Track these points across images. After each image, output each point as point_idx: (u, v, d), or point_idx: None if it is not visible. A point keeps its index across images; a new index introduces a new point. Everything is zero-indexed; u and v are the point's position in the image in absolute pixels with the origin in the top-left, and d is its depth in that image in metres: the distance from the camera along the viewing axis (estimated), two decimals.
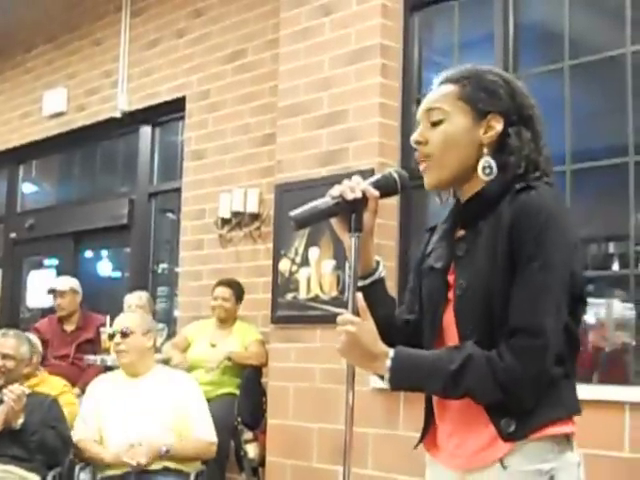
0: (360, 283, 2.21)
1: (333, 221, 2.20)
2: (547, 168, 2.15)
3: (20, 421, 4.59)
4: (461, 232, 2.18)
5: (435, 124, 2.16)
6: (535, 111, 2.18)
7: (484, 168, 2.10)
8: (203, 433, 4.77)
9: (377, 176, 2.23)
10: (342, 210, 2.14)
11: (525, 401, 1.96)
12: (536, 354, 1.93)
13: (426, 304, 2.23)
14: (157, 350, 5.36)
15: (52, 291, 7.37)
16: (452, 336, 2.11)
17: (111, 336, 4.97)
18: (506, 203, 2.04)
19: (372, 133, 5.62)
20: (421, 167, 2.19)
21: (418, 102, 5.58)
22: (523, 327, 1.94)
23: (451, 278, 2.14)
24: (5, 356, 4.90)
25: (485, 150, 2.12)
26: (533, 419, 1.97)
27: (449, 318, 2.12)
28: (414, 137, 2.19)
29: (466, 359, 1.96)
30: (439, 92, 2.19)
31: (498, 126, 2.12)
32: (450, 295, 2.13)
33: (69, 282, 7.46)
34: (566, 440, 2.02)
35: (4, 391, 4.60)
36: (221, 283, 6.61)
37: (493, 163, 2.10)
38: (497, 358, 1.94)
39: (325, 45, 5.97)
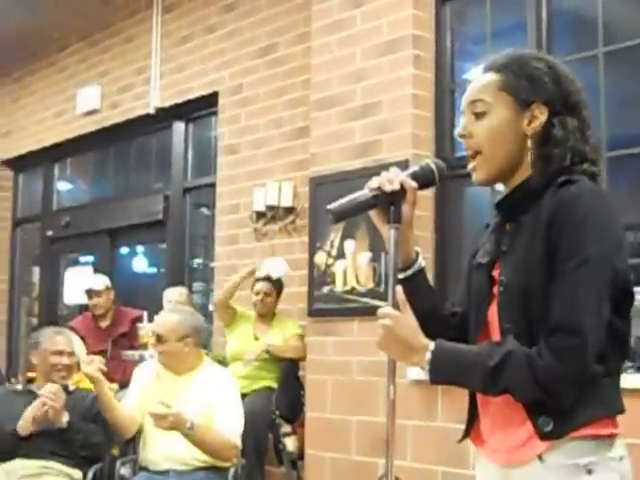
0: (400, 275, 2.21)
1: (372, 213, 2.18)
2: (594, 157, 2.11)
3: (65, 419, 4.61)
4: (507, 226, 2.15)
5: (478, 116, 2.13)
6: (582, 97, 2.13)
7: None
8: (228, 433, 4.58)
9: (415, 167, 2.21)
10: (380, 202, 2.13)
11: (564, 400, 1.93)
12: (575, 353, 1.90)
13: (472, 299, 2.22)
14: (206, 347, 5.28)
15: (88, 291, 7.42)
16: (496, 332, 2.09)
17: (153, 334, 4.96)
18: (549, 196, 2.01)
19: (405, 124, 5.61)
20: (470, 165, 2.16)
21: (451, 92, 5.66)
22: (561, 326, 1.91)
23: (496, 273, 2.12)
24: (70, 354, 4.97)
25: (529, 142, 2.09)
26: (571, 419, 1.95)
27: (493, 314, 2.11)
28: (458, 130, 2.17)
29: (505, 356, 1.94)
30: (481, 82, 2.15)
31: (542, 116, 2.08)
32: (495, 291, 2.11)
33: (103, 281, 7.51)
34: (608, 438, 1.99)
35: (41, 392, 4.63)
36: (261, 278, 6.62)
37: None
38: (537, 356, 1.92)
39: (357, 37, 5.96)
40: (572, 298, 1.92)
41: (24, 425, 4.59)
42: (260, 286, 6.57)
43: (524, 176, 2.11)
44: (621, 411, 2.03)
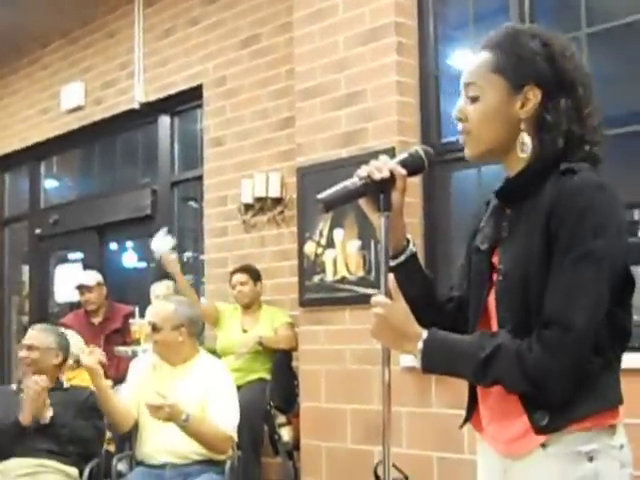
0: (392, 262, 2.20)
1: (362, 201, 2.18)
2: (593, 138, 2.07)
3: (49, 414, 4.61)
4: (508, 211, 2.14)
5: (472, 100, 2.11)
6: (579, 74, 2.09)
7: (520, 144, 2.07)
8: (223, 424, 4.60)
9: (403, 154, 2.20)
10: (370, 190, 2.13)
11: (555, 394, 1.93)
12: (566, 348, 1.89)
13: (472, 284, 2.21)
14: (200, 341, 5.25)
15: (80, 287, 7.42)
16: (496, 319, 2.08)
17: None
18: (550, 184, 1.99)
19: (391, 112, 5.60)
20: (460, 139, 2.16)
21: (436, 78, 5.65)
22: (555, 319, 1.90)
23: (496, 260, 2.11)
24: (30, 347, 4.95)
25: (523, 125, 2.07)
26: (568, 413, 1.94)
27: (492, 301, 2.10)
28: (454, 113, 2.16)
29: (496, 348, 1.93)
30: (475, 63, 2.13)
31: (535, 99, 2.05)
32: (495, 277, 2.10)
33: (95, 276, 7.52)
34: (608, 427, 1.99)
35: (26, 383, 4.64)
36: (235, 271, 6.68)
37: (528, 140, 2.06)
38: (527, 350, 1.91)
39: (339, 25, 5.95)
40: (569, 292, 1.90)
41: (24, 415, 4.61)
42: (235, 278, 6.61)
43: (519, 159, 2.08)
44: (619, 402, 2.03)
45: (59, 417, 4.64)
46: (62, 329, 5.90)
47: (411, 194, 5.41)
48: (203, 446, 4.57)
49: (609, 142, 4.81)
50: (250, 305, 6.60)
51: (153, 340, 4.86)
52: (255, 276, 6.64)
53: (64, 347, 5.07)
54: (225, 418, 4.62)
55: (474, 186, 5.13)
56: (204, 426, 4.51)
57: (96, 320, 7.35)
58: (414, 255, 2.27)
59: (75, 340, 5.79)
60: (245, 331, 6.49)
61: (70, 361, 5.32)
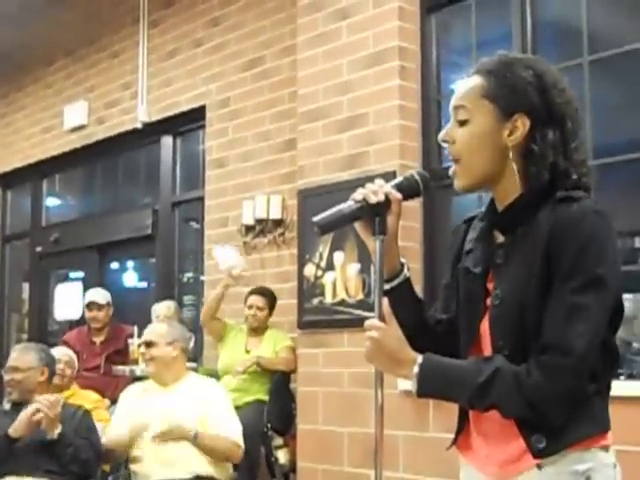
0: (386, 286, 2.19)
1: (357, 225, 2.17)
2: (579, 171, 2.06)
3: (57, 431, 4.59)
4: (500, 238, 2.13)
5: (461, 123, 2.10)
6: (569, 108, 2.08)
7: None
8: (230, 433, 4.72)
9: (399, 178, 2.20)
10: (366, 214, 2.12)
11: (553, 419, 1.93)
12: (565, 373, 1.89)
13: (463, 308, 2.19)
14: (190, 359, 5.29)
15: (90, 304, 7.40)
16: (488, 344, 2.08)
17: (140, 345, 5.04)
18: (547, 212, 1.98)
19: (392, 135, 5.62)
20: (450, 171, 2.15)
21: (438, 103, 5.66)
22: (555, 345, 1.90)
23: (490, 285, 2.10)
24: (14, 369, 4.96)
25: (510, 154, 2.06)
26: (564, 436, 1.94)
27: (486, 325, 2.09)
28: (441, 135, 2.15)
29: (494, 373, 1.93)
30: (465, 87, 2.12)
31: (523, 127, 2.04)
32: (488, 302, 2.09)
33: (105, 295, 7.52)
34: (602, 447, 1.99)
35: (37, 398, 4.63)
36: (255, 292, 6.62)
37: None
38: (525, 374, 1.91)
39: (343, 49, 5.97)
40: (568, 318, 1.90)
41: (17, 427, 4.58)
42: (253, 299, 6.56)
43: (510, 186, 2.08)
44: (609, 428, 2.03)
45: (64, 435, 4.62)
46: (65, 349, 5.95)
47: (411, 218, 5.42)
48: (215, 459, 4.67)
49: (610, 169, 4.84)
50: (257, 329, 6.58)
51: (148, 357, 4.89)
52: (272, 304, 6.61)
53: (48, 363, 5.06)
54: (230, 428, 4.73)
55: (474, 211, 5.11)
56: (213, 439, 4.63)
57: (98, 339, 7.34)
58: (407, 280, 2.25)
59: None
60: (248, 352, 6.46)
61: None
